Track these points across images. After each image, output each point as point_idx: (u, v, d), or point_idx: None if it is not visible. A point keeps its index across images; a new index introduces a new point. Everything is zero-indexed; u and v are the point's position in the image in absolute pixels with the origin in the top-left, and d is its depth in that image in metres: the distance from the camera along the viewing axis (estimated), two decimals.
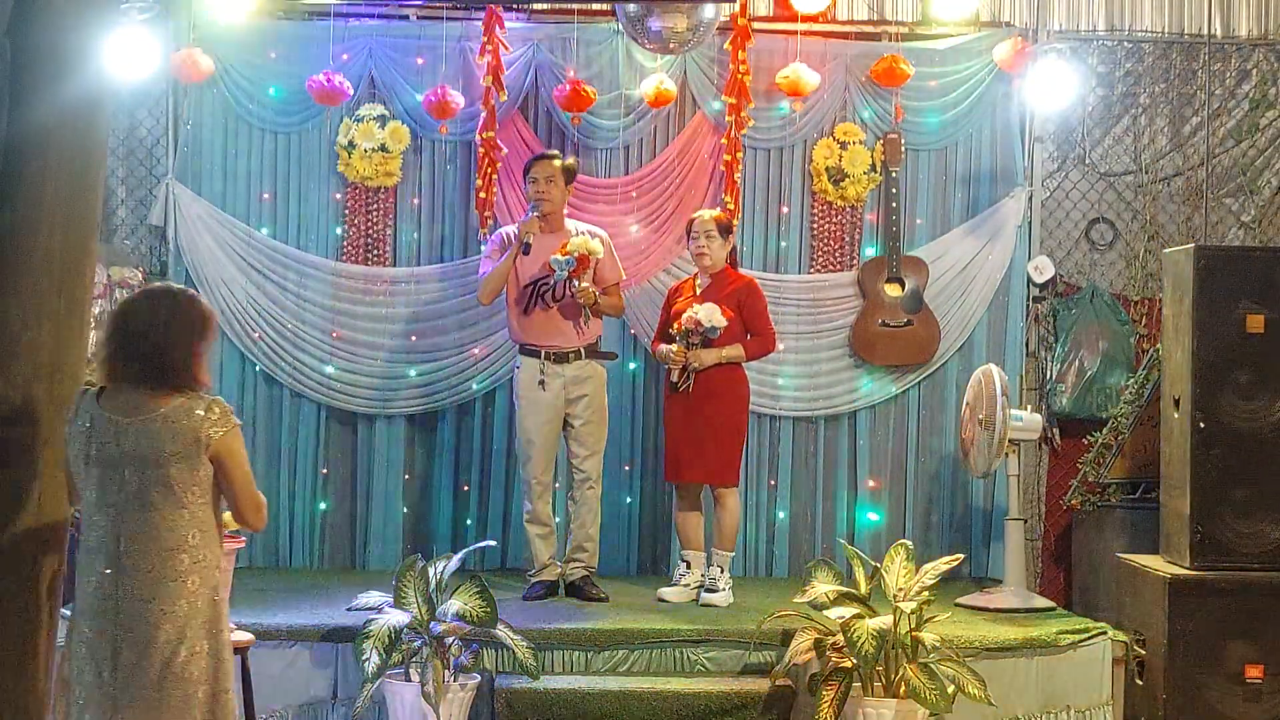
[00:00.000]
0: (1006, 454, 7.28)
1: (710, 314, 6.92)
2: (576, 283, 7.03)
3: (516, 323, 7.23)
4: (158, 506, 4.14)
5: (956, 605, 7.11)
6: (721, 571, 7.11)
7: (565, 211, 7.46)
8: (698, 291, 7.16)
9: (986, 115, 8.11)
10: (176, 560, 4.15)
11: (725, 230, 7.16)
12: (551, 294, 7.14)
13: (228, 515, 4.67)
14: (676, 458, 7.15)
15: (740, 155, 7.83)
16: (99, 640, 4.16)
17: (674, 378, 7.07)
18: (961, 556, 6.67)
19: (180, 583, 4.16)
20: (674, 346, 7.05)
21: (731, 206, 7.82)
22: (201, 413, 4.14)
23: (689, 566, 7.23)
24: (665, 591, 7.18)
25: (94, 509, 4.19)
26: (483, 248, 7.40)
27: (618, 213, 7.93)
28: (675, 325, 7.05)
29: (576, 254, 6.99)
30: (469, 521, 8.02)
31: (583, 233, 7.20)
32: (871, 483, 8.10)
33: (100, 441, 4.14)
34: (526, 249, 7.08)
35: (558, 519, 7.43)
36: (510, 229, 7.30)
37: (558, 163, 7.20)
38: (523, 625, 6.37)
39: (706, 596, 7.05)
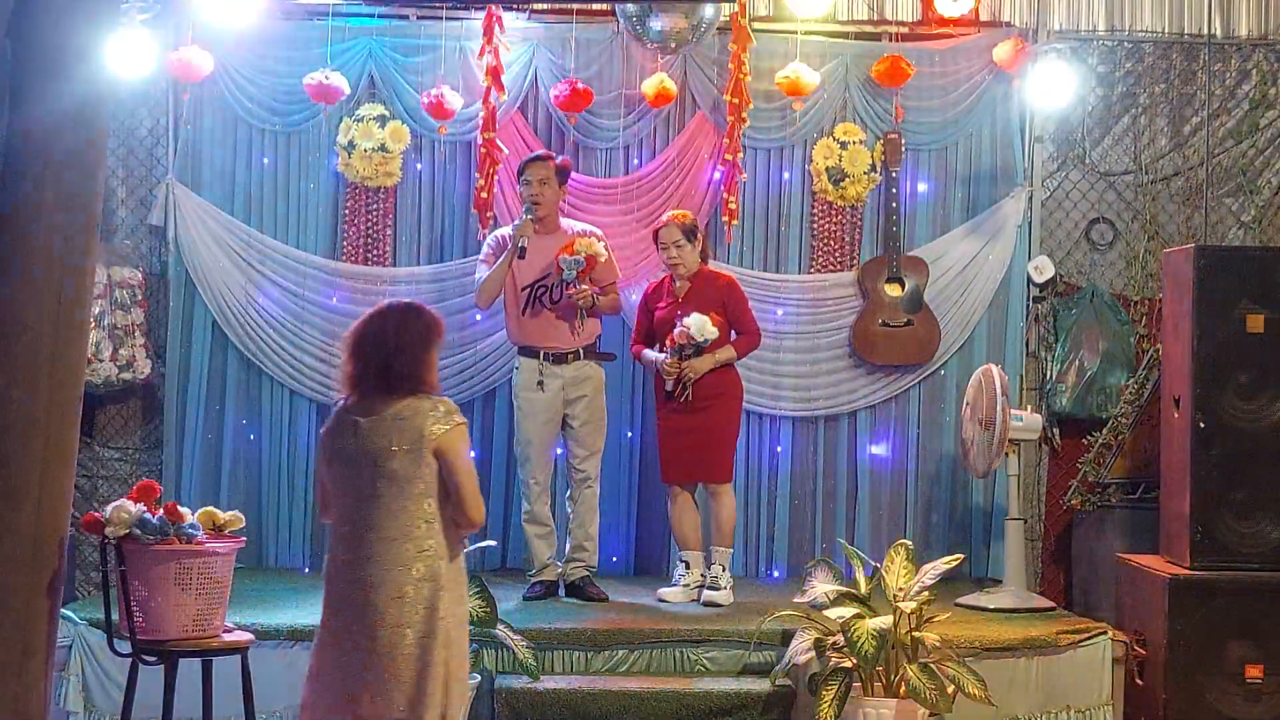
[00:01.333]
0: (1006, 454, 7.28)
1: (701, 326, 6.93)
2: (578, 284, 7.03)
3: (515, 325, 7.23)
4: (386, 498, 4.50)
5: (956, 605, 7.11)
6: (723, 570, 7.12)
7: (566, 211, 7.48)
8: (679, 296, 7.16)
9: (986, 115, 8.12)
10: (402, 549, 4.48)
11: (690, 233, 7.15)
12: (549, 296, 7.14)
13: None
14: (675, 460, 7.16)
15: (740, 155, 7.83)
16: (339, 623, 4.52)
17: (669, 387, 7.07)
18: (961, 556, 6.66)
19: (406, 570, 4.48)
20: (665, 357, 7.05)
21: (734, 205, 7.82)
22: (427, 410, 4.52)
23: (688, 567, 7.23)
24: (665, 591, 7.18)
25: (336, 503, 4.60)
26: (482, 248, 7.40)
27: (617, 213, 7.92)
28: (668, 340, 7.04)
29: (585, 255, 6.99)
30: None
31: (579, 233, 7.20)
32: (872, 483, 8.10)
33: (340, 440, 4.56)
34: (522, 253, 7.08)
35: (556, 519, 7.43)
36: (505, 231, 7.29)
37: (551, 164, 7.20)
38: (523, 625, 6.38)
39: (710, 595, 7.04)
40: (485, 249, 7.31)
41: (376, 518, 4.50)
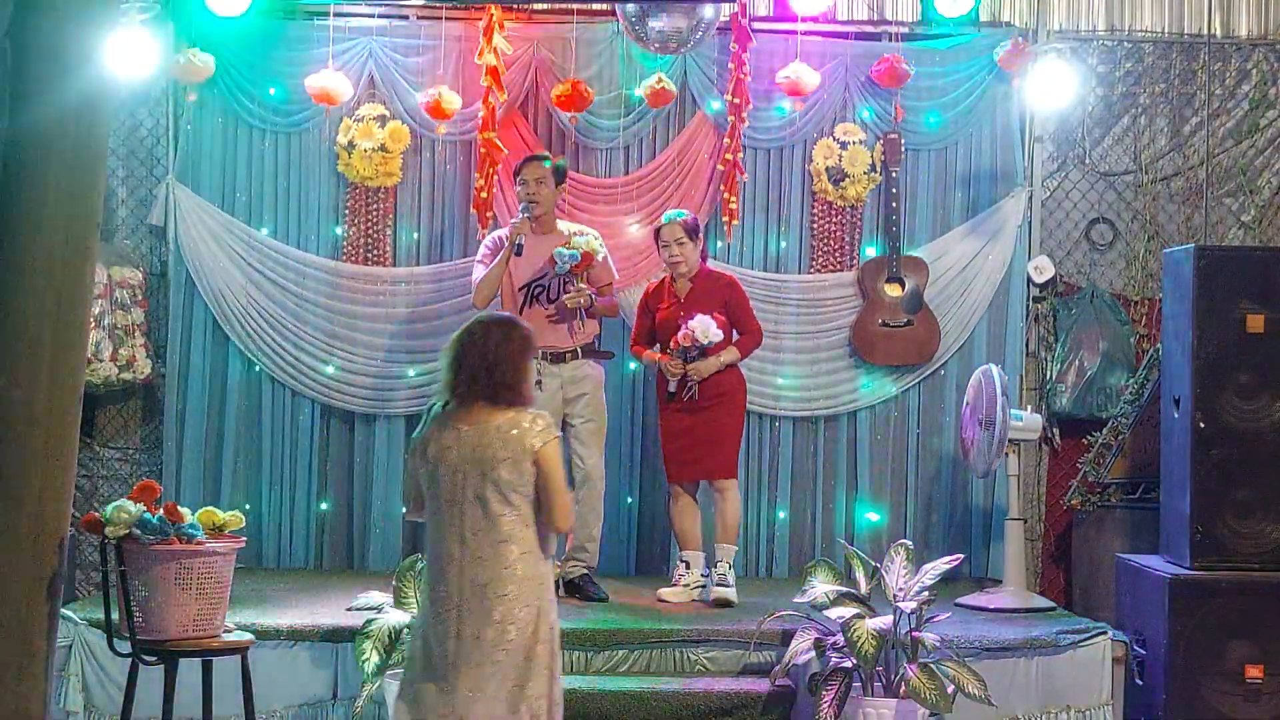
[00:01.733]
0: (1006, 454, 7.28)
1: (706, 328, 6.94)
2: (575, 280, 7.03)
3: None
4: (490, 503, 4.70)
5: (956, 605, 7.11)
6: (730, 567, 7.12)
7: (566, 211, 7.48)
8: (681, 297, 7.16)
9: (986, 115, 8.11)
10: (507, 551, 4.70)
11: (693, 232, 7.16)
12: (546, 295, 7.14)
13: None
14: (679, 460, 7.16)
15: (740, 155, 7.83)
16: (443, 617, 4.69)
17: (672, 388, 7.08)
18: (961, 556, 6.65)
19: (510, 570, 4.69)
20: (670, 359, 7.05)
21: (734, 205, 7.82)
22: (527, 424, 4.76)
23: (688, 566, 7.23)
24: (665, 591, 7.18)
25: (436, 506, 4.76)
26: (480, 248, 7.40)
27: (617, 213, 7.93)
28: (672, 342, 7.04)
29: (581, 250, 6.99)
30: None
31: (575, 233, 7.20)
32: (872, 483, 8.11)
33: (443, 446, 4.75)
34: (519, 250, 7.08)
35: None
36: (502, 232, 7.30)
37: (547, 164, 7.20)
38: None
39: (722, 592, 7.03)
40: (483, 249, 7.31)
41: (482, 522, 4.70)
